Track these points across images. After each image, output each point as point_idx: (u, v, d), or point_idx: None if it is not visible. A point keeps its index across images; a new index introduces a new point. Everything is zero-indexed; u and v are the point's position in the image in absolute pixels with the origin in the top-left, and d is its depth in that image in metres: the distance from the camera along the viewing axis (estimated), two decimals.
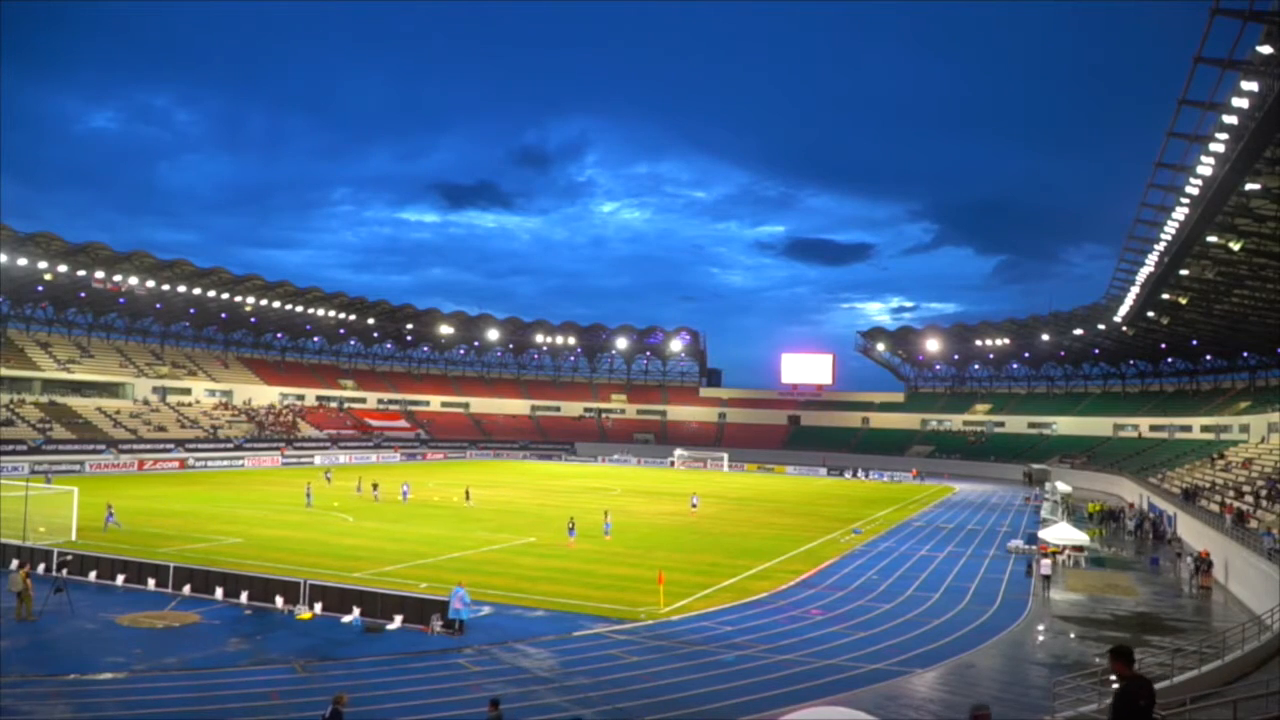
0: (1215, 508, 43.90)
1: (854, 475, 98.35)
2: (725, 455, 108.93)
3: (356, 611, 25.03)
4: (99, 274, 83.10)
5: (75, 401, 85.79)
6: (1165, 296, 60.71)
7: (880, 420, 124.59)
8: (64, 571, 28.40)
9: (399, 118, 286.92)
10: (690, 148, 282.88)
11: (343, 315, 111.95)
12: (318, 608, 25.67)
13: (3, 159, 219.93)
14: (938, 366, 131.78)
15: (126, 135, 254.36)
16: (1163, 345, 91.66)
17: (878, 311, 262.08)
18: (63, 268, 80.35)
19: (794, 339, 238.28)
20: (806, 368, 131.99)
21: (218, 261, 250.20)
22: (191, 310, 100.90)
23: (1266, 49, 27.01)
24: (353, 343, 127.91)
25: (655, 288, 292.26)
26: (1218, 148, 33.69)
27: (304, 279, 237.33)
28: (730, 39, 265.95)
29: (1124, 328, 78.98)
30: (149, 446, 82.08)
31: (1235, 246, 43.29)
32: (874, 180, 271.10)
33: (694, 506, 56.81)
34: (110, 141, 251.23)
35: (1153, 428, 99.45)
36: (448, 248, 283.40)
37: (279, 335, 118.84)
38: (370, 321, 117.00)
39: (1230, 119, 31.22)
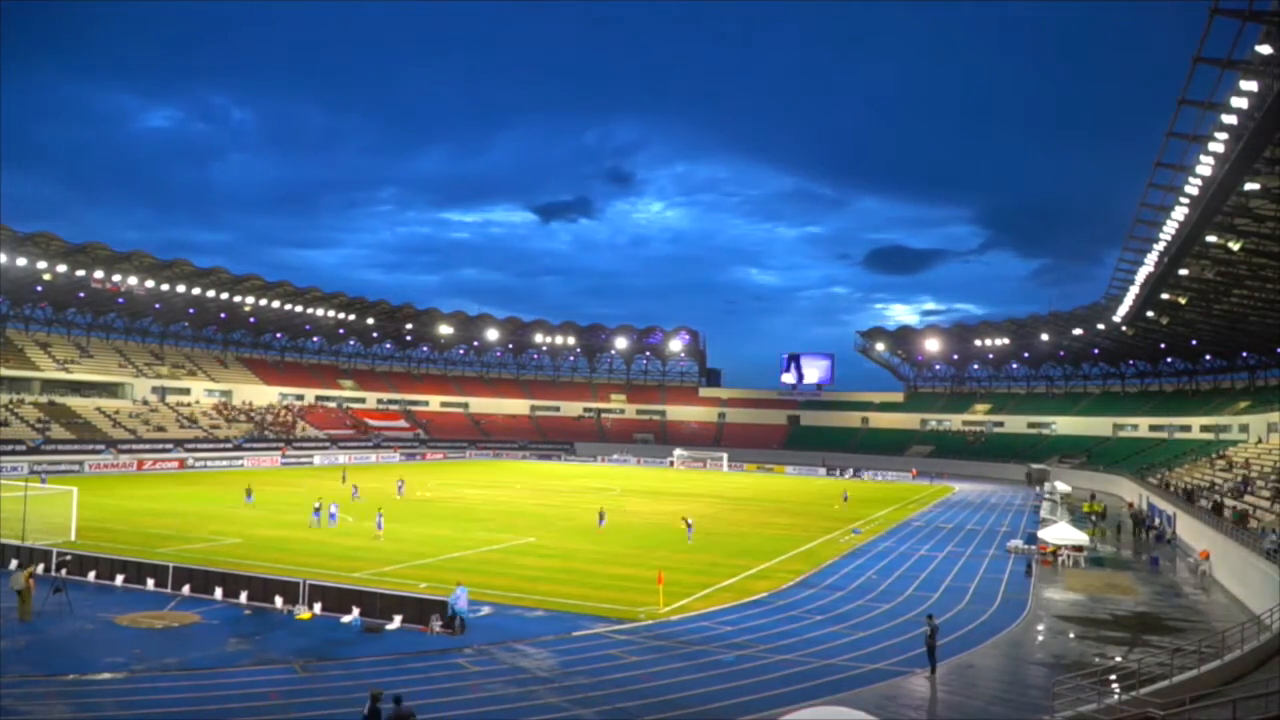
0: (1225, 508, 43.91)
1: (841, 474, 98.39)
2: (725, 455, 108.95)
3: (356, 611, 25.02)
4: (98, 274, 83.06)
5: (74, 401, 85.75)
6: (1165, 296, 60.72)
7: (880, 420, 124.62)
8: (63, 571, 28.38)
9: (451, 117, 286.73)
10: (736, 148, 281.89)
11: (342, 315, 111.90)
12: (317, 608, 25.65)
13: (9, 156, 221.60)
14: (937, 366, 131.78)
15: (179, 134, 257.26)
16: (1162, 345, 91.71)
17: (904, 313, 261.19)
18: (62, 268, 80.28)
19: (818, 340, 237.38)
20: (806, 368, 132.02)
21: (250, 261, 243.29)
22: (191, 310, 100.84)
23: (1265, 49, 27.00)
24: (352, 343, 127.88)
25: (687, 288, 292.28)
26: (1217, 148, 33.70)
27: (334, 280, 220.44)
28: (780, 41, 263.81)
29: (1123, 328, 79.01)
30: (148, 446, 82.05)
31: (1235, 246, 43.29)
32: (923, 182, 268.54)
33: (689, 529, 44.50)
34: (162, 140, 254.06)
35: (1152, 428, 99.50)
36: (485, 247, 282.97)
37: (278, 335, 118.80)
38: (370, 321, 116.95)
39: (1230, 119, 31.22)
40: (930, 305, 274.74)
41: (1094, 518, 58.01)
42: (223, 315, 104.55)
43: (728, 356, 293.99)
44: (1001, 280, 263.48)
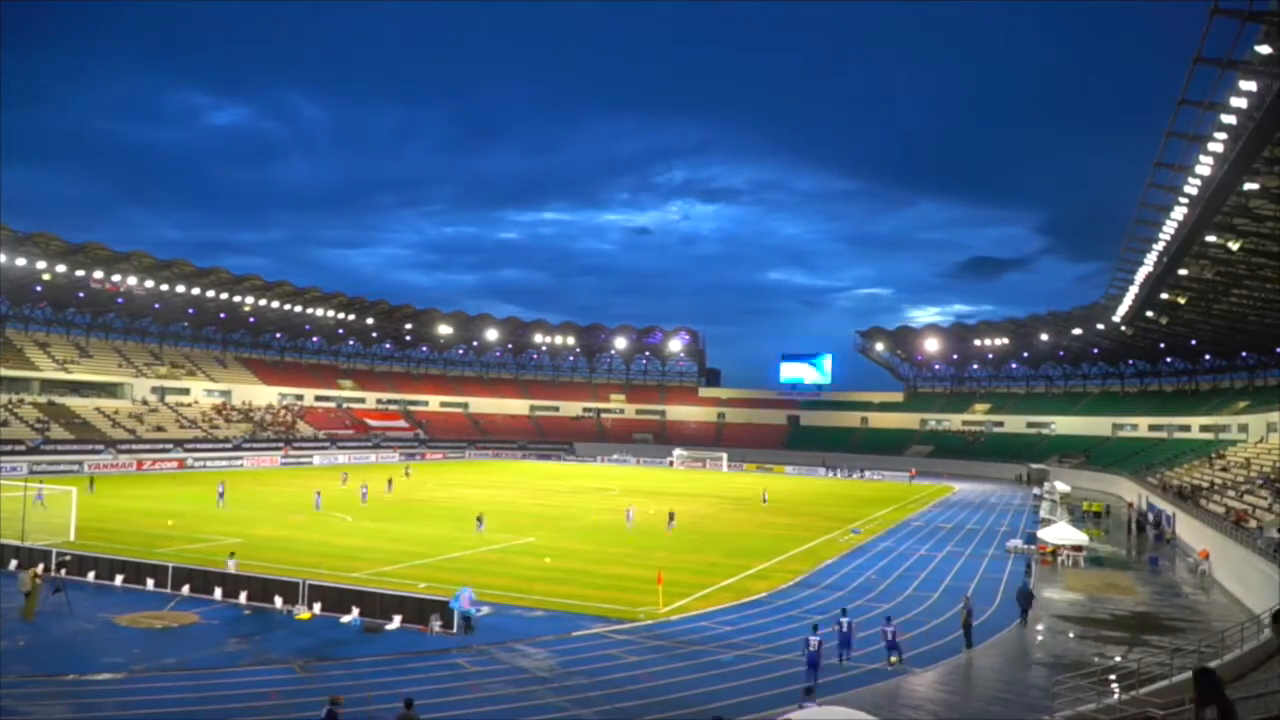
0: (1215, 507, 43.94)
1: (833, 473, 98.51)
2: (724, 455, 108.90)
3: (355, 611, 25.01)
4: (97, 274, 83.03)
5: (74, 402, 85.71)
6: (1164, 296, 60.71)
7: (879, 420, 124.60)
8: (63, 571, 28.38)
9: (520, 117, 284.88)
10: (793, 150, 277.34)
11: (341, 315, 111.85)
12: (316, 608, 25.65)
13: (62, 156, 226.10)
14: (937, 366, 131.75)
15: (244, 133, 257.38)
16: (1162, 345, 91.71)
17: (933, 315, 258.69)
18: (61, 267, 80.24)
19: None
20: (804, 368, 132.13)
21: (288, 262, 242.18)
22: (190, 310, 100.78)
23: (1265, 49, 27.00)
24: (351, 343, 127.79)
25: (725, 288, 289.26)
26: (1216, 147, 33.70)
27: (370, 281, 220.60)
28: (836, 42, 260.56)
29: (1123, 327, 79.00)
30: (147, 446, 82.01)
31: (1234, 246, 43.28)
32: (979, 185, 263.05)
33: (670, 522, 48.17)
34: (224, 139, 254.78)
35: (1151, 427, 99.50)
36: (530, 247, 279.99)
37: (278, 335, 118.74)
38: (369, 321, 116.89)
39: (1229, 119, 31.23)
40: (958, 308, 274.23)
41: (1097, 516, 57.92)
42: (222, 315, 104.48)
43: (758, 357, 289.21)
44: (1049, 284, 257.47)
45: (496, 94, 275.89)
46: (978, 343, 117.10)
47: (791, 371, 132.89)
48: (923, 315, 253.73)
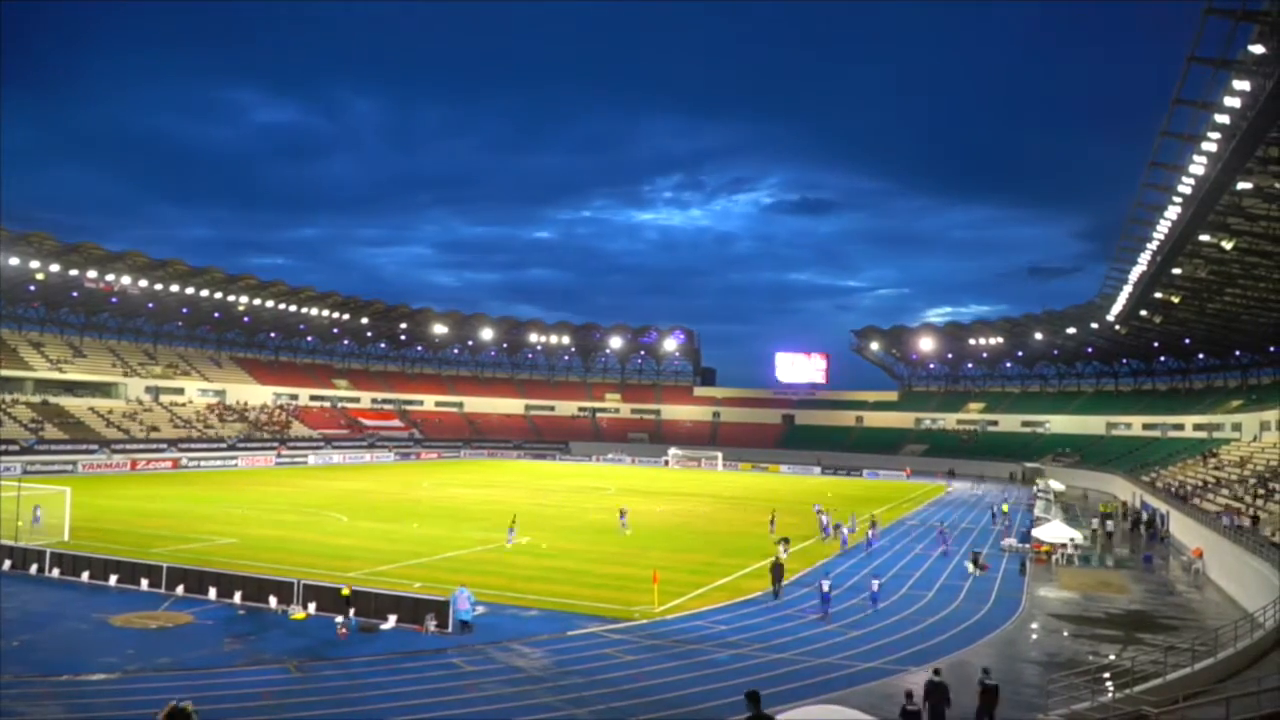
0: (1209, 506, 44.08)
1: (830, 473, 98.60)
2: (719, 454, 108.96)
3: (351, 611, 24.96)
4: (91, 273, 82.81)
5: (68, 401, 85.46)
6: (1158, 295, 60.87)
7: (874, 419, 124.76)
8: (55, 571, 28.23)
9: (572, 117, 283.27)
10: (836, 150, 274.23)
11: (336, 315, 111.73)
12: (312, 608, 25.60)
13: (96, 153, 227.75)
14: (931, 365, 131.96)
15: (290, 131, 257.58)
16: (1156, 344, 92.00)
17: (937, 316, 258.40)
18: (55, 267, 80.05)
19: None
20: (800, 367, 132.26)
21: (310, 261, 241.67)
22: (184, 310, 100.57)
23: (1258, 48, 27.08)
24: (346, 342, 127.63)
25: (753, 289, 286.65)
26: (1210, 147, 33.79)
27: (393, 280, 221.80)
28: (876, 42, 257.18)
29: (1117, 326, 79.18)
30: (142, 446, 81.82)
31: (1227, 245, 43.43)
32: (1014, 186, 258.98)
33: (622, 519, 47.06)
34: (269, 138, 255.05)
35: (1145, 426, 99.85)
36: (563, 246, 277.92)
37: (272, 335, 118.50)
38: (364, 321, 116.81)
39: (1223, 118, 31.31)
40: (951, 310, 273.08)
41: (1108, 518, 57.13)
42: (216, 315, 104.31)
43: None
44: (1079, 288, 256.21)
45: (547, 92, 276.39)
46: (972, 342, 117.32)
47: (787, 366, 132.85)
48: (929, 316, 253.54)
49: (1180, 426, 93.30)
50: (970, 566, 36.19)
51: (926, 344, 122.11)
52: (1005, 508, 57.99)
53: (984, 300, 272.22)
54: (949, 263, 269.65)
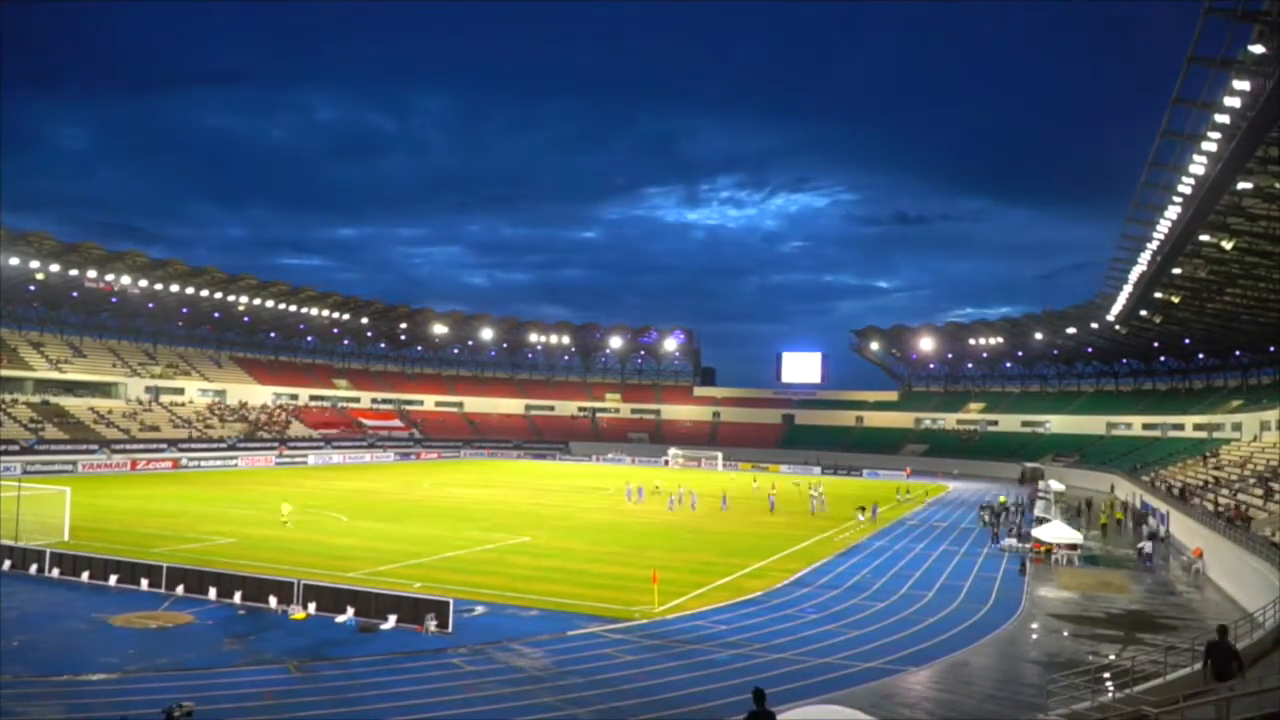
0: (1209, 505, 44.06)
1: (829, 472, 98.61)
2: (719, 454, 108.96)
3: (350, 611, 24.97)
4: (91, 273, 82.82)
5: (68, 401, 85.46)
6: (1158, 295, 60.86)
7: (874, 419, 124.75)
8: (56, 572, 28.26)
9: (637, 115, 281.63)
10: (889, 150, 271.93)
11: (336, 315, 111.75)
12: (312, 608, 25.61)
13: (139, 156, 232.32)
14: (931, 365, 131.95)
15: (348, 130, 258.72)
16: (1156, 344, 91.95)
17: (956, 318, 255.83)
18: (55, 267, 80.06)
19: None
20: (800, 367, 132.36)
21: (341, 260, 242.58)
22: (184, 310, 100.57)
23: (1258, 48, 27.08)
24: (346, 342, 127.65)
25: (786, 290, 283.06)
26: (1210, 146, 33.79)
27: (426, 282, 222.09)
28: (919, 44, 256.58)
29: (1117, 326, 79.17)
30: (142, 446, 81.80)
31: (1227, 245, 43.42)
32: (1064, 190, 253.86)
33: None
34: (323, 137, 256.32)
35: (1145, 426, 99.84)
36: (605, 246, 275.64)
37: (272, 335, 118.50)
38: (364, 321, 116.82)
39: (1223, 118, 31.31)
40: (969, 310, 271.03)
41: (1118, 524, 56.69)
42: (216, 315, 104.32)
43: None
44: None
45: (613, 91, 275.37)
46: (972, 342, 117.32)
47: (792, 366, 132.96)
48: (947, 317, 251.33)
49: (1180, 426, 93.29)
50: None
51: (926, 344, 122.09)
52: (1004, 499, 59.22)
53: (1018, 303, 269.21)
54: (989, 264, 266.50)
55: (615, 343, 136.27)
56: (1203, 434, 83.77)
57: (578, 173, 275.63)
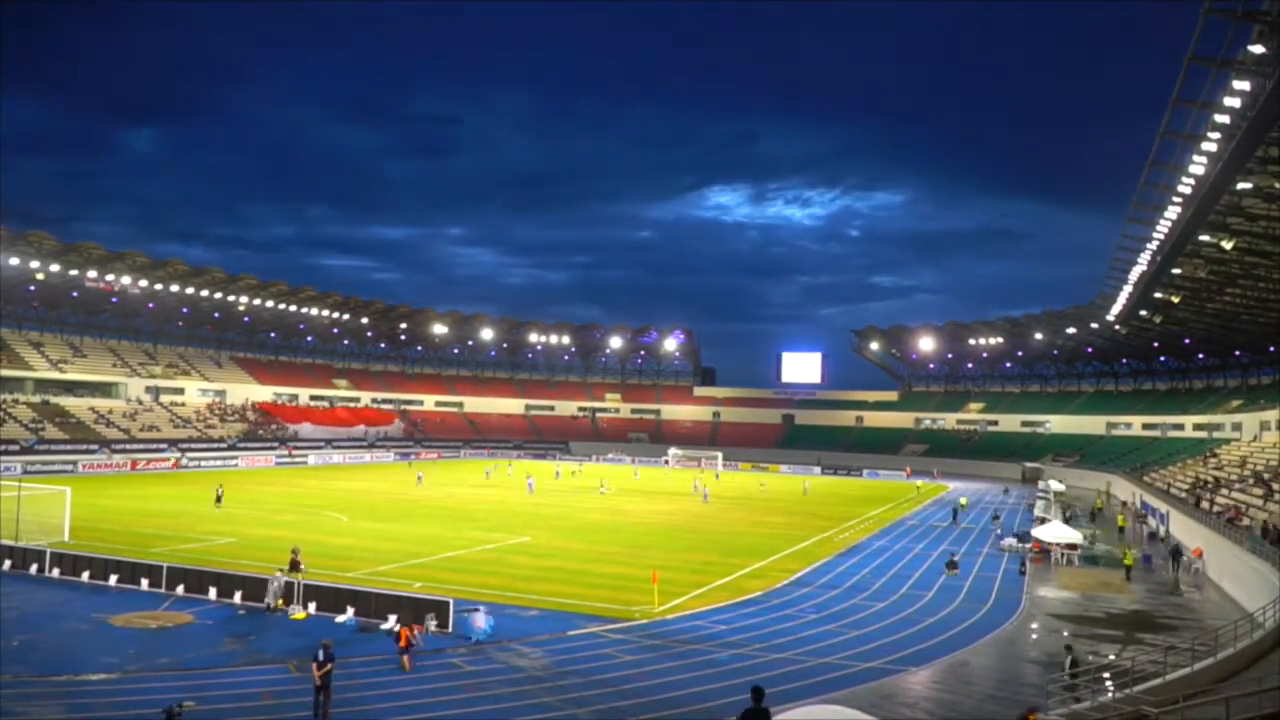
0: (1208, 505, 44.03)
1: (824, 472, 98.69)
2: (719, 454, 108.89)
3: (351, 611, 24.98)
4: (91, 273, 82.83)
5: (68, 401, 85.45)
6: (1158, 295, 60.84)
7: (874, 419, 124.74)
8: (56, 572, 28.28)
9: (705, 111, 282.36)
10: (923, 147, 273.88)
11: (336, 315, 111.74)
12: (312, 607, 25.61)
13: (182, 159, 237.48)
14: (931, 365, 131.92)
15: (414, 128, 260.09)
16: (1155, 344, 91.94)
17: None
18: (55, 267, 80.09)
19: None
20: (800, 367, 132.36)
21: (384, 260, 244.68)
22: (184, 310, 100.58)
23: (1258, 48, 27.08)
24: (346, 342, 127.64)
25: (819, 291, 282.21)
26: (1210, 147, 33.79)
27: (462, 283, 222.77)
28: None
29: (1117, 326, 79.16)
30: (142, 446, 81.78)
31: (1227, 245, 43.39)
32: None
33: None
34: (402, 133, 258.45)
35: (1145, 426, 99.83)
36: (652, 245, 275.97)
37: (272, 335, 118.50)
38: (364, 321, 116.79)
39: (1223, 118, 31.31)
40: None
41: (1120, 532, 56.23)
42: (216, 315, 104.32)
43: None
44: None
45: (697, 87, 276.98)
46: (972, 342, 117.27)
47: (792, 366, 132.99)
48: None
49: (1180, 426, 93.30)
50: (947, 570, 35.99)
51: (926, 344, 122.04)
52: (964, 501, 61.69)
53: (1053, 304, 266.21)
54: (1037, 268, 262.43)
55: (615, 343, 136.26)
56: (1203, 434, 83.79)
57: (645, 172, 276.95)
